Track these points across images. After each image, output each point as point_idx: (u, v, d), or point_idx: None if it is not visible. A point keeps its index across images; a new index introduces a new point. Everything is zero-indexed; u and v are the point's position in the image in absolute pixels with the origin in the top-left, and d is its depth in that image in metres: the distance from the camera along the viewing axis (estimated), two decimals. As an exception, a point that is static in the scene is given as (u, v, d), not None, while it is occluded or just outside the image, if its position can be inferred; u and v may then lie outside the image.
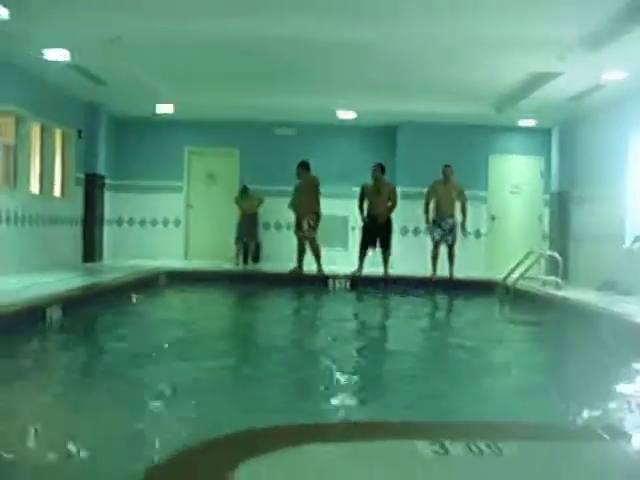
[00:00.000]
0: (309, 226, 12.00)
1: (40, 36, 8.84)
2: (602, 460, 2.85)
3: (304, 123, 14.40)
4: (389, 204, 12.09)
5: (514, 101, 11.68)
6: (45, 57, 9.55)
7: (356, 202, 12.29)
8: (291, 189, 12.36)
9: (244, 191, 13.99)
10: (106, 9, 7.88)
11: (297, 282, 11.60)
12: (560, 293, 9.92)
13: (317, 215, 12.03)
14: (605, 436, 3.11)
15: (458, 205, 12.22)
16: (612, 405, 4.47)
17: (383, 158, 13.73)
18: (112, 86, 11.50)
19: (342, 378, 5.13)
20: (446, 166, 12.25)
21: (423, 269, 12.31)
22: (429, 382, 5.18)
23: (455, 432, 3.04)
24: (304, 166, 12.24)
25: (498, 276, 11.46)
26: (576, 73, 9.54)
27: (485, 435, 2.96)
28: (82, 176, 13.02)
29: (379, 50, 9.14)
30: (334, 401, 4.44)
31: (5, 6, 7.58)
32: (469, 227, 12.41)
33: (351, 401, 4.51)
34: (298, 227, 12.14)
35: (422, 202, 12.26)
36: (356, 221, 13.12)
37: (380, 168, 12.16)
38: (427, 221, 12.14)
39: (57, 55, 9.51)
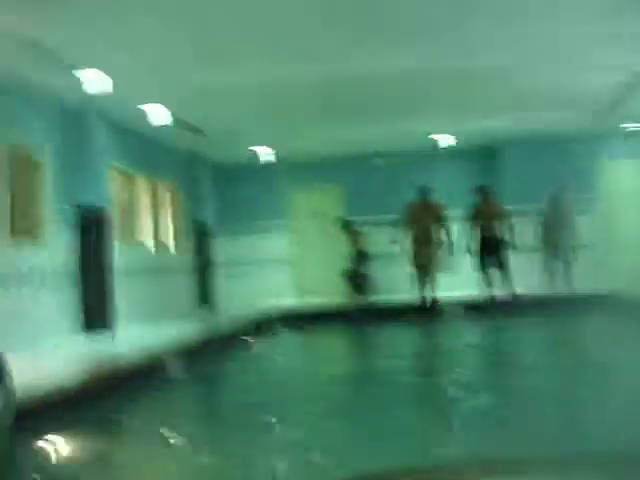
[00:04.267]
0: (437, 254, 11.86)
1: (140, 93, 9.16)
2: None
3: (404, 152, 14.27)
4: (501, 225, 11.81)
5: (618, 105, 11.23)
6: (147, 113, 9.86)
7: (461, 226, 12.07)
8: (394, 217, 12.20)
9: (346, 226, 13.62)
10: (200, 60, 8.09)
11: (411, 313, 11.39)
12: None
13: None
14: None
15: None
16: None
17: (486, 179, 13.48)
18: (212, 134, 11.75)
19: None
20: (483, 187, 12.02)
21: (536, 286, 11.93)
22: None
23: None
24: (429, 191, 12.04)
25: (617, 287, 10.90)
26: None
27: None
28: (191, 225, 13.32)
29: (476, 68, 8.96)
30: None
31: (106, 69, 7.90)
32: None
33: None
34: (427, 256, 11.86)
35: (532, 219, 12.05)
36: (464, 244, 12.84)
37: (487, 190, 11.94)
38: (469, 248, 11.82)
39: (158, 110, 9.80)
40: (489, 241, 11.75)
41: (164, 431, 4.82)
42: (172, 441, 4.51)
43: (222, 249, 14.61)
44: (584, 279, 12.34)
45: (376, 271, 13.94)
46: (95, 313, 9.28)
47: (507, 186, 13.72)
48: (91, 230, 9.35)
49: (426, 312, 11.47)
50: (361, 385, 6.68)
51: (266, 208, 14.86)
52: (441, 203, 11.98)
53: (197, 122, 10.97)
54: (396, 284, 13.35)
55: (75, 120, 9.30)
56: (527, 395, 5.67)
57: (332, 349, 9.33)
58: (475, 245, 11.94)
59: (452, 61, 8.50)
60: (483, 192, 11.94)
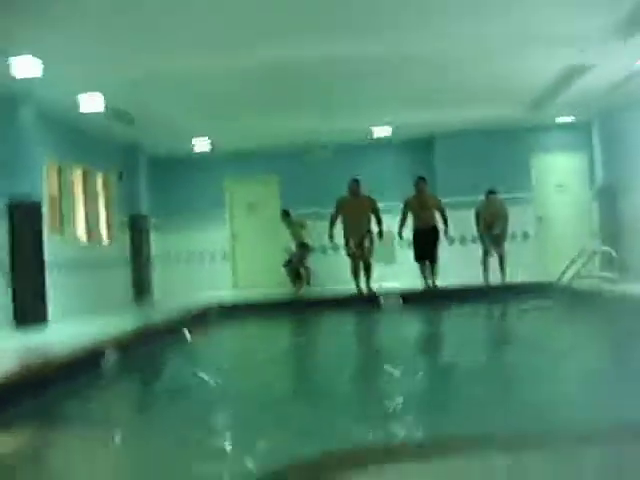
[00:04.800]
0: (371, 244, 11.95)
1: (73, 83, 8.99)
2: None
3: (341, 144, 14.36)
4: (440, 216, 11.94)
5: (550, 98, 11.51)
6: (80, 103, 9.69)
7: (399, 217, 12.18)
8: (331, 210, 12.29)
9: (285, 216, 13.78)
10: (135, 50, 7.99)
11: (348, 303, 11.49)
12: (618, 288, 9.67)
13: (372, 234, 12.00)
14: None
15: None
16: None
17: (421, 170, 13.69)
18: (147, 126, 11.62)
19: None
20: (420, 179, 12.08)
21: (471, 278, 12.16)
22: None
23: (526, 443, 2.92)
24: (358, 184, 12.10)
25: (551, 277, 11.26)
26: (609, 63, 9.36)
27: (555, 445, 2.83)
28: (126, 218, 13.15)
29: (411, 61, 9.09)
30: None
31: (39, 60, 7.74)
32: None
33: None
34: (359, 246, 11.99)
35: (470, 211, 12.45)
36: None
37: (423, 181, 12.05)
38: (400, 235, 12.00)
39: (92, 100, 9.64)
40: (422, 232, 11.91)
41: (96, 425, 4.79)
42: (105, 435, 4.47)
43: (159, 241, 14.46)
44: (520, 270, 12.66)
45: (316, 262, 14.03)
46: (28, 307, 9.11)
47: (443, 177, 13.94)
48: (24, 223, 9.15)
49: (363, 302, 11.58)
50: (296, 371, 6.73)
51: (203, 200, 14.76)
52: (370, 196, 12.07)
53: (134, 113, 10.82)
54: (336, 275, 13.46)
55: (7, 111, 9.07)
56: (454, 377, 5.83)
57: (271, 339, 9.31)
58: (410, 236, 12.14)
59: (389, 52, 8.58)
60: (416, 183, 12.04)
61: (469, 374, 5.91)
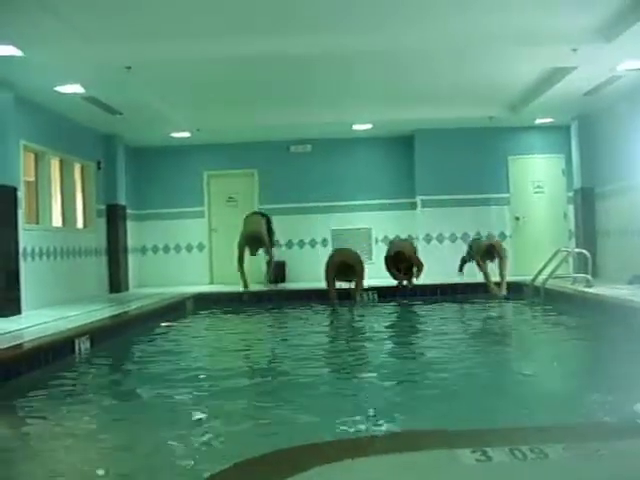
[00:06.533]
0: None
1: (54, 70, 8.91)
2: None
3: (321, 139, 14.35)
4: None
5: (530, 100, 11.58)
6: (59, 91, 9.62)
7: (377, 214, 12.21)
8: (310, 205, 12.33)
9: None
10: (118, 39, 7.94)
11: (323, 298, 11.53)
12: (591, 290, 9.77)
13: None
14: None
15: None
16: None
17: (401, 167, 13.75)
18: (127, 116, 11.54)
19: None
20: None
21: (447, 276, 12.23)
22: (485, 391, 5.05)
23: (497, 438, 2.95)
24: None
25: (526, 277, 11.35)
26: (591, 66, 9.42)
27: (528, 439, 2.86)
28: (103, 207, 13.06)
29: (392, 58, 9.12)
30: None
31: (17, 46, 7.66)
32: None
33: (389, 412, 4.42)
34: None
35: (448, 209, 12.45)
36: (378, 232, 13.04)
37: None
38: None
39: (71, 88, 9.57)
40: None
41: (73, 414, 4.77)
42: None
43: (137, 232, 14.38)
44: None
45: (293, 258, 14.03)
46: (3, 298, 9.01)
47: (421, 175, 13.96)
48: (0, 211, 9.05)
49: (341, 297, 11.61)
50: (273, 366, 6.74)
51: (182, 192, 14.68)
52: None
53: (114, 103, 10.75)
54: (311, 271, 13.47)
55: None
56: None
57: (246, 332, 9.31)
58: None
59: (371, 50, 8.57)
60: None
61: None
